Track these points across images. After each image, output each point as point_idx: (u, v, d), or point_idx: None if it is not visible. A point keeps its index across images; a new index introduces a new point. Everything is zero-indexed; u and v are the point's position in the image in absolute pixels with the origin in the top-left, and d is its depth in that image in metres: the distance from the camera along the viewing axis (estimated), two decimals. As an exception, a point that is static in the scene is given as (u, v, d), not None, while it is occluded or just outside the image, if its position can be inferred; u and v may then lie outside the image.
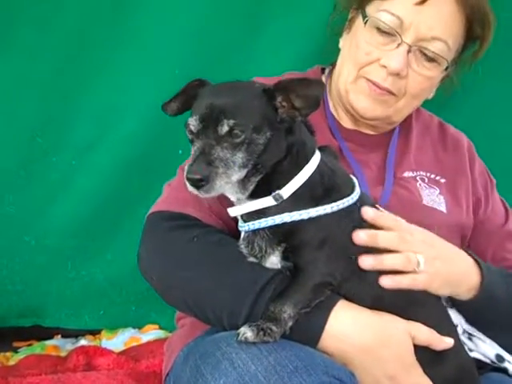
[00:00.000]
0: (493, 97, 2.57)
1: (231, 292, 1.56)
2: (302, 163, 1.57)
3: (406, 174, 2.00)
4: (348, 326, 1.54)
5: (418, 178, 2.01)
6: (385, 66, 1.86)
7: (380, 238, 1.58)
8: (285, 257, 1.56)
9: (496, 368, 1.84)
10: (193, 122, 1.49)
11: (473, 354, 1.80)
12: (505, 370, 1.83)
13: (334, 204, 1.55)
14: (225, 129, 1.45)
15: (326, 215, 1.54)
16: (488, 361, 1.82)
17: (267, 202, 1.55)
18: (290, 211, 1.54)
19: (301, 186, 1.55)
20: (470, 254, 1.78)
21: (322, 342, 1.52)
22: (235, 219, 1.66)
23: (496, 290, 1.76)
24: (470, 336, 1.81)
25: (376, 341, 1.55)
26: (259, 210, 1.56)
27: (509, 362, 1.83)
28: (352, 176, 1.68)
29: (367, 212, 1.59)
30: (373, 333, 1.55)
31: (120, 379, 2.21)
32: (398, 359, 1.56)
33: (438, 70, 1.92)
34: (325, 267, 1.53)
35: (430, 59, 1.88)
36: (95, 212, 2.58)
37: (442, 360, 1.63)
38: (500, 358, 1.82)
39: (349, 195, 1.59)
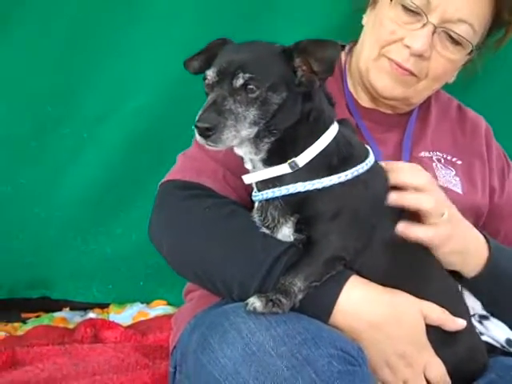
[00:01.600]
0: (498, 87, 2.52)
1: (243, 263, 1.55)
2: (319, 132, 1.55)
3: (423, 154, 1.98)
4: (359, 302, 1.53)
5: (434, 158, 1.99)
6: (408, 46, 1.83)
7: (413, 200, 1.60)
8: (297, 229, 1.54)
9: (505, 352, 1.82)
10: (210, 74, 1.48)
11: (483, 338, 1.78)
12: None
13: (347, 172, 1.53)
14: (239, 82, 1.44)
15: (340, 184, 1.52)
16: (498, 345, 1.80)
17: (282, 169, 1.54)
18: (304, 180, 1.52)
19: (317, 155, 1.54)
20: (481, 232, 1.77)
21: (333, 317, 1.51)
22: (249, 190, 1.65)
23: (504, 268, 1.75)
24: (481, 319, 1.79)
25: (387, 317, 1.54)
26: (273, 178, 1.55)
27: (519, 347, 1.81)
28: (368, 147, 1.66)
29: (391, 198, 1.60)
30: (384, 309, 1.54)
31: (127, 352, 2.22)
32: (409, 337, 1.55)
33: (462, 53, 1.88)
34: (338, 241, 1.51)
35: (455, 42, 1.84)
36: (105, 185, 2.57)
37: (455, 340, 1.62)
38: (510, 343, 1.80)
39: (362, 163, 1.57)
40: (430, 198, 1.62)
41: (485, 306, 1.77)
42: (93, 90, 2.50)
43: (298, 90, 1.50)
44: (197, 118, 1.43)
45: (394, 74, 1.87)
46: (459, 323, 1.61)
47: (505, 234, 2.03)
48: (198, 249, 1.62)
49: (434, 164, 1.97)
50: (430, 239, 1.61)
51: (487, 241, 1.75)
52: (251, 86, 1.44)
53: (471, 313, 1.75)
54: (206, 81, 1.49)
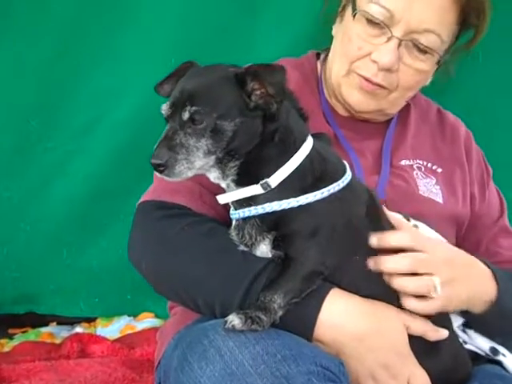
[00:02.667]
0: (493, 83, 2.54)
1: (223, 281, 1.55)
2: (290, 151, 1.54)
3: (403, 163, 1.96)
4: (341, 315, 1.52)
5: (414, 166, 1.97)
6: (375, 62, 1.81)
7: (389, 264, 1.56)
8: (275, 245, 1.54)
9: (490, 360, 1.82)
10: (164, 107, 1.49)
11: (467, 347, 1.78)
12: (499, 363, 1.81)
13: (323, 190, 1.52)
14: (186, 115, 1.44)
15: (317, 202, 1.52)
16: (482, 353, 1.81)
17: (255, 190, 1.53)
18: (280, 199, 1.51)
19: (290, 174, 1.53)
20: (485, 263, 1.74)
21: (315, 331, 1.50)
22: (228, 207, 1.64)
23: (507, 305, 1.73)
24: (464, 328, 1.79)
25: (369, 329, 1.53)
26: (249, 197, 1.54)
27: (503, 354, 1.80)
28: (345, 162, 1.65)
29: (372, 242, 1.57)
30: (366, 321, 1.53)
31: (113, 366, 2.22)
32: (392, 348, 1.54)
33: (431, 62, 1.86)
34: (316, 256, 1.51)
35: (422, 51, 1.82)
36: (91, 198, 2.57)
37: (437, 350, 1.61)
38: (494, 351, 1.80)
39: (338, 180, 1.56)
40: (417, 280, 1.57)
41: (492, 338, 1.76)
42: (76, 102, 2.50)
43: (254, 113, 1.49)
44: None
45: (365, 89, 1.86)
46: (441, 333, 1.61)
47: (486, 247, 2.01)
48: (177, 268, 1.61)
49: (414, 172, 1.95)
50: (430, 310, 1.59)
51: (493, 274, 1.73)
52: (197, 118, 1.44)
53: (454, 323, 1.75)
54: (162, 113, 1.50)
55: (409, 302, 1.57)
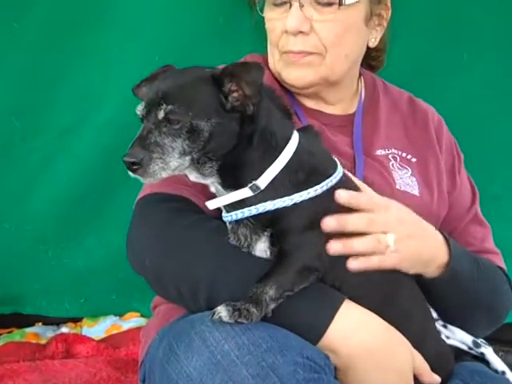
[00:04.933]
0: (477, 82, 2.54)
1: (233, 283, 1.53)
2: (275, 151, 1.52)
3: (379, 152, 1.95)
4: (355, 326, 1.51)
5: (390, 156, 1.96)
6: (287, 31, 1.85)
7: (349, 223, 1.55)
8: (272, 242, 1.53)
9: (474, 356, 1.83)
10: (139, 108, 1.48)
11: (450, 342, 1.79)
12: (482, 359, 1.83)
13: (317, 187, 1.52)
14: (161, 114, 1.43)
15: (310, 199, 1.51)
16: (465, 347, 1.81)
17: (245, 193, 1.52)
18: (273, 199, 1.50)
19: (279, 174, 1.52)
20: (440, 231, 1.75)
21: (325, 340, 1.48)
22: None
23: (461, 269, 1.75)
24: (445, 323, 1.80)
25: (382, 346, 1.52)
26: (240, 200, 1.53)
27: (485, 347, 1.82)
28: (334, 157, 1.65)
29: (340, 195, 1.55)
30: (379, 337, 1.52)
31: (98, 367, 2.21)
32: (399, 371, 1.53)
33: (338, 9, 1.84)
34: (311, 251, 1.50)
35: (326, 4, 1.83)
36: (75, 198, 2.55)
37: (421, 347, 1.60)
38: (477, 344, 1.82)
39: (331, 175, 1.56)
40: (369, 239, 1.56)
41: (435, 303, 1.75)
42: (60, 102, 2.48)
43: (231, 115, 1.48)
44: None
45: (295, 62, 1.88)
46: (435, 379, 1.60)
47: (459, 234, 2.00)
48: (184, 265, 1.58)
49: (390, 163, 1.95)
50: (384, 267, 1.58)
51: (446, 240, 1.74)
52: (172, 118, 1.43)
53: (434, 316, 1.76)
54: (137, 114, 1.48)
55: (365, 260, 1.55)
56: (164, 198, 1.71)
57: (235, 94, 1.47)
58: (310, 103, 2.00)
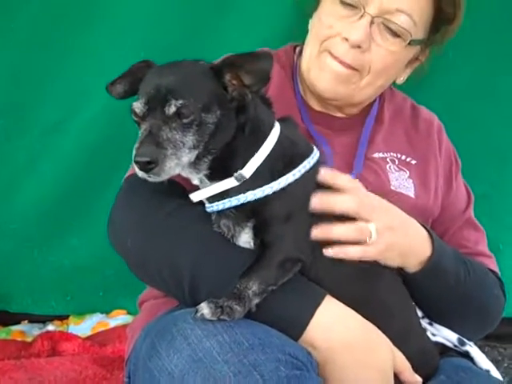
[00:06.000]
0: (463, 80, 2.55)
1: (217, 269, 1.52)
2: (259, 140, 1.54)
3: (376, 155, 1.96)
4: (335, 321, 1.51)
5: (388, 159, 1.97)
6: (346, 39, 1.80)
7: (337, 202, 1.55)
8: (255, 233, 1.53)
9: (459, 353, 1.84)
10: (138, 105, 1.44)
11: (435, 339, 1.80)
12: (466, 355, 1.83)
13: (294, 171, 1.52)
14: (172, 109, 1.41)
15: (290, 185, 1.52)
16: (450, 344, 1.83)
17: (230, 183, 1.52)
18: (254, 188, 1.51)
19: (262, 163, 1.52)
20: (423, 226, 1.76)
21: (306, 335, 1.48)
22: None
23: (445, 266, 1.75)
24: (431, 321, 1.81)
25: (362, 341, 1.52)
26: (223, 191, 1.53)
27: (470, 345, 1.83)
28: (312, 144, 1.66)
29: (323, 173, 1.56)
30: (360, 332, 1.53)
31: (84, 364, 2.20)
32: (379, 371, 1.53)
33: (402, 44, 1.84)
34: (292, 242, 1.50)
35: (394, 33, 1.82)
36: (61, 196, 2.55)
37: (405, 343, 1.61)
38: (462, 342, 1.83)
39: (308, 158, 1.56)
40: (350, 226, 1.57)
41: (421, 302, 1.76)
42: (45, 101, 2.48)
43: (230, 105, 1.48)
44: (134, 152, 1.40)
45: (335, 70, 1.84)
46: (416, 378, 1.60)
47: (452, 236, 2.01)
48: (166, 248, 1.57)
49: (387, 165, 1.95)
50: (364, 257, 1.58)
51: (430, 236, 1.74)
52: (184, 111, 1.41)
53: (419, 314, 1.77)
54: (134, 111, 1.45)
55: (345, 249, 1.55)
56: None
57: (234, 82, 1.47)
58: (317, 106, 1.99)
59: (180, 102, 1.41)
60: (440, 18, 1.91)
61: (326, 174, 1.57)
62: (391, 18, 1.80)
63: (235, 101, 1.49)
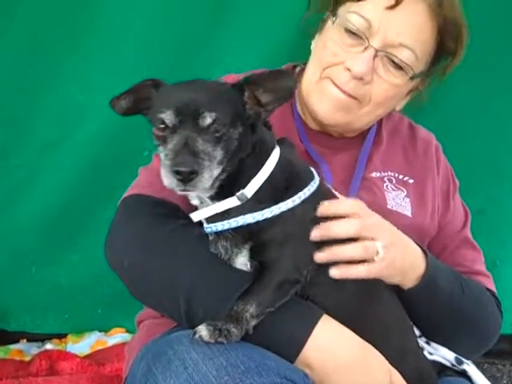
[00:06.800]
0: (459, 96, 2.56)
1: (214, 291, 1.52)
2: (263, 160, 1.55)
3: (374, 175, 1.97)
4: (332, 342, 1.52)
5: (385, 178, 1.97)
6: (349, 69, 1.81)
7: (336, 231, 1.56)
8: (252, 255, 1.53)
9: (457, 372, 1.84)
10: (167, 116, 1.43)
11: (433, 357, 1.80)
12: (464, 374, 1.83)
13: (295, 197, 1.53)
14: (207, 121, 1.41)
15: (289, 209, 1.52)
16: (448, 363, 1.83)
17: (232, 202, 1.53)
18: (254, 211, 1.51)
19: (263, 183, 1.53)
20: (417, 244, 1.76)
21: (303, 355, 1.48)
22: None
23: (439, 283, 1.76)
24: (428, 340, 1.81)
25: (359, 361, 1.53)
26: (222, 211, 1.54)
27: (467, 364, 1.83)
28: (311, 167, 1.67)
29: (322, 209, 1.57)
30: (356, 352, 1.54)
31: (82, 383, 2.19)
32: None
33: (405, 78, 1.86)
34: (290, 263, 1.50)
35: (397, 66, 1.83)
36: (59, 214, 2.55)
37: (402, 362, 1.61)
38: (459, 361, 1.82)
39: (308, 185, 1.57)
40: (357, 246, 1.58)
41: (416, 319, 1.76)
42: (43, 118, 2.48)
43: (247, 123, 1.50)
44: (170, 162, 1.39)
45: (335, 98, 1.85)
46: None
47: (448, 255, 2.01)
48: (163, 270, 1.57)
49: (384, 185, 1.96)
50: (368, 275, 1.59)
51: (425, 254, 1.75)
52: (217, 125, 1.42)
53: (417, 333, 1.77)
54: (164, 122, 1.44)
55: (351, 269, 1.56)
56: (149, 200, 1.70)
57: (251, 101, 1.49)
58: (315, 125, 1.99)
59: (214, 114, 1.41)
60: (441, 52, 1.93)
61: (324, 209, 1.58)
62: (394, 52, 1.82)
63: (251, 119, 1.50)
